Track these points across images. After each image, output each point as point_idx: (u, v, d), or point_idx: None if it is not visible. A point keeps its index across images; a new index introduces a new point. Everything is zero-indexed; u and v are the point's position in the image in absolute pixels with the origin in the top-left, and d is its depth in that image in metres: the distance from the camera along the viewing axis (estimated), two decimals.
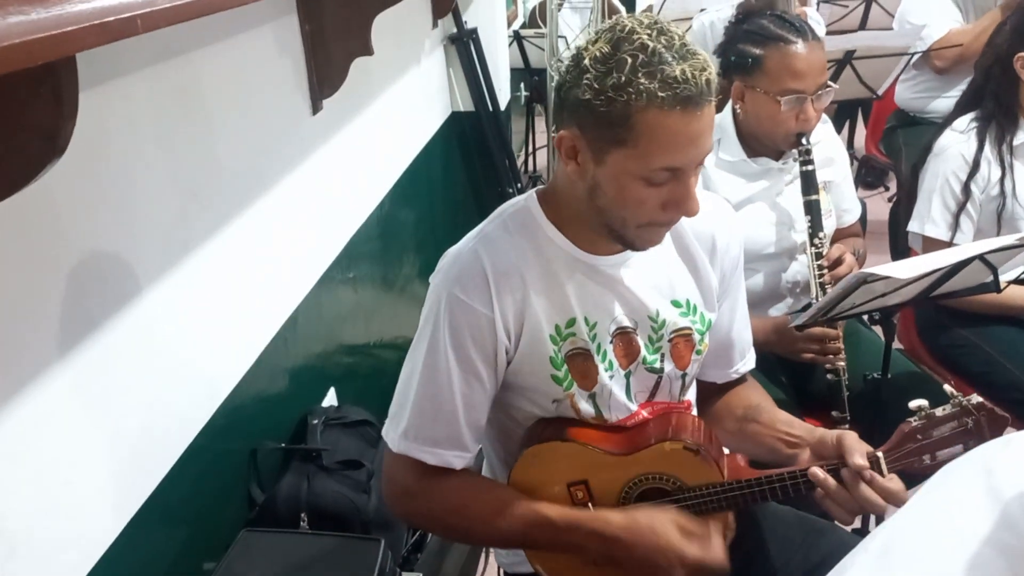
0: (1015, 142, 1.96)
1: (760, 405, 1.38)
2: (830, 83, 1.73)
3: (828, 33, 3.80)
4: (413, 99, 2.73)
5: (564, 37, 3.73)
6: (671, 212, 1.10)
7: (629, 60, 1.01)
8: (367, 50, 1.95)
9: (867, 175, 3.93)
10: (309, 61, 1.86)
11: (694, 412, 1.37)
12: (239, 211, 1.64)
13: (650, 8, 4.05)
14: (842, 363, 1.78)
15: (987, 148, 1.96)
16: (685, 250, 1.29)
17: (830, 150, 1.92)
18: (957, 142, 1.98)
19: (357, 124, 2.21)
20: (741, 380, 1.44)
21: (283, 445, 1.74)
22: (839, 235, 1.98)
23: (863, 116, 3.91)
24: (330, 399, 2.06)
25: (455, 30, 3.04)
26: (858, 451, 1.16)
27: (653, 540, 1.15)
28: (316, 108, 1.93)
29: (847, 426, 1.81)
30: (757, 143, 1.81)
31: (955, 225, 1.98)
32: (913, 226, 2.04)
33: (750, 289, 1.84)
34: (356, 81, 2.08)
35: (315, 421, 1.79)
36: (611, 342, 1.23)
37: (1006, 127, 1.96)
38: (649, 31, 1.03)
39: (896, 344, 1.80)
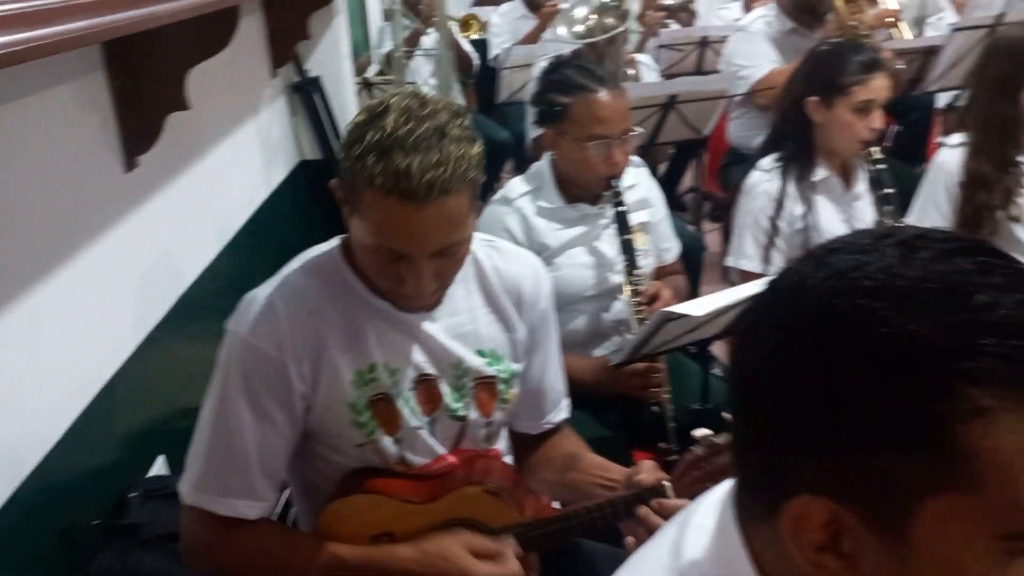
0: (814, 179, 2.10)
1: (577, 454, 1.42)
2: (634, 128, 1.82)
3: (668, 76, 4.00)
4: (251, 149, 2.70)
5: (414, 83, 3.78)
6: (406, 290, 1.13)
7: (369, 137, 1.04)
8: (182, 104, 1.92)
9: (713, 210, 4.13)
10: (119, 117, 1.82)
11: (506, 460, 1.40)
12: (43, 274, 1.57)
13: (500, 55, 4.16)
14: (666, 396, 1.85)
15: (790, 186, 2.10)
16: (493, 301, 1.32)
17: (645, 192, 2.01)
18: (763, 181, 2.11)
19: (183, 178, 2.16)
20: (557, 430, 1.47)
21: (96, 522, 1.66)
22: (661, 273, 2.07)
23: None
24: (159, 468, 1.98)
25: (297, 78, 3.03)
26: (649, 474, 1.21)
27: (445, 567, 1.17)
28: (130, 165, 1.88)
29: (675, 457, 1.88)
30: (574, 189, 1.88)
31: (767, 259, 2.10)
32: (729, 260, 2.16)
33: (574, 331, 1.90)
34: (177, 135, 2.04)
35: (135, 493, 1.72)
36: (413, 389, 1.25)
37: (805, 166, 2.10)
38: (402, 115, 1.05)
39: None
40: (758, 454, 0.62)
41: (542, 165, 1.91)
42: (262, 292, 1.22)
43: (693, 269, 2.82)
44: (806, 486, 0.58)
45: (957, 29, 3.16)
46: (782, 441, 0.59)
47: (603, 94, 1.76)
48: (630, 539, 1.20)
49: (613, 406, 1.90)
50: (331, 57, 3.20)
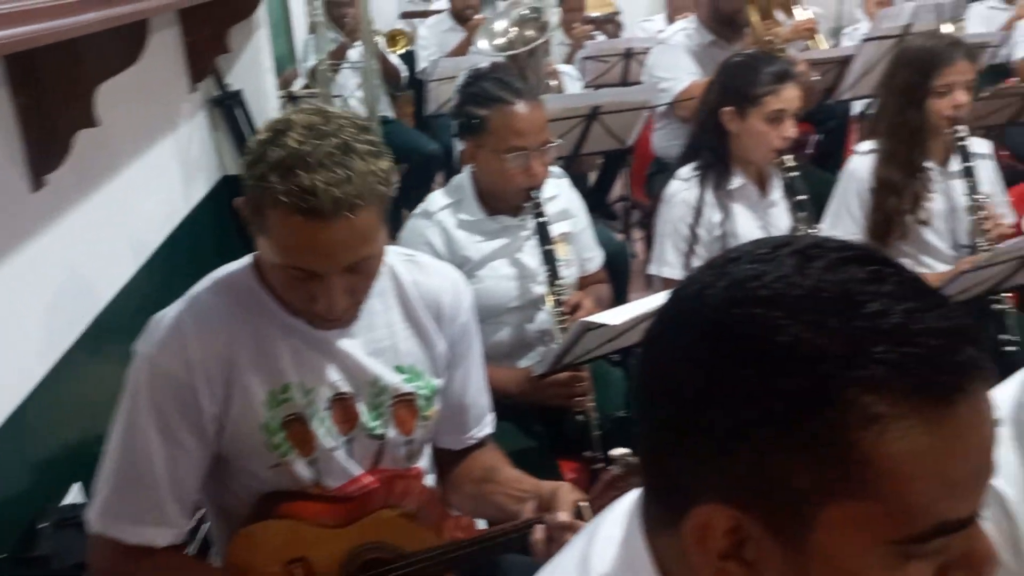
0: (730, 187, 2.15)
1: (494, 467, 1.41)
2: (553, 139, 1.83)
3: (595, 87, 4.04)
4: (169, 165, 2.64)
5: (340, 96, 3.75)
6: (319, 308, 1.12)
7: (272, 156, 1.03)
8: (91, 121, 1.87)
9: (642, 218, 4.18)
10: (23, 135, 1.76)
11: (428, 479, 1.38)
12: None
13: (428, 67, 4.16)
14: (590, 404, 1.86)
15: (708, 194, 2.14)
16: (412, 316, 1.31)
17: (566, 203, 2.02)
18: (682, 190, 2.15)
19: (94, 197, 2.10)
20: (480, 445, 1.46)
21: (3, 556, 1.59)
22: (584, 282, 2.08)
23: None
24: (75, 496, 1.91)
25: (218, 92, 2.98)
26: (565, 502, 1.20)
27: None
28: (37, 185, 1.82)
29: (602, 465, 1.89)
30: (494, 201, 1.89)
31: (688, 266, 2.14)
32: (651, 269, 2.19)
33: (498, 342, 1.90)
34: (87, 153, 1.98)
35: (45, 524, 1.66)
36: (328, 408, 1.23)
37: (722, 174, 2.14)
38: (304, 133, 1.04)
39: None
40: (662, 462, 0.63)
41: (463, 178, 1.92)
42: (170, 312, 1.19)
43: (620, 277, 2.85)
44: (709, 494, 0.58)
45: (867, 39, 3.27)
46: (684, 449, 0.60)
47: (520, 106, 1.77)
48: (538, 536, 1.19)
49: (538, 416, 1.91)
50: (253, 70, 3.15)
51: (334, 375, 1.23)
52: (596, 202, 4.52)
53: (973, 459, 0.56)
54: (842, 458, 0.54)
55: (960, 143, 2.19)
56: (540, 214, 1.84)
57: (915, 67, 2.21)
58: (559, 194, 2.00)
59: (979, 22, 4.71)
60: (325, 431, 1.22)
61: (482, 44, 2.94)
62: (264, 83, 3.20)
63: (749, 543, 0.58)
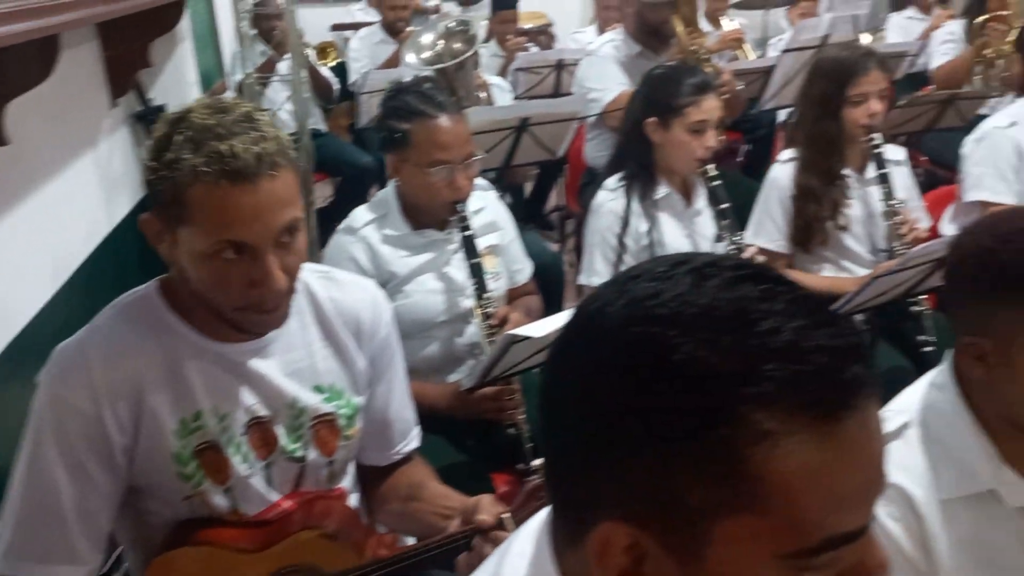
0: (656, 197, 2.18)
1: (421, 483, 1.40)
2: (477, 152, 1.83)
3: (529, 98, 4.06)
4: (89, 183, 2.57)
5: (269, 110, 3.69)
6: (259, 291, 1.09)
7: (179, 138, 1.03)
8: (1, 139, 1.81)
9: (577, 228, 4.21)
10: None
11: (352, 499, 1.36)
12: None
13: (359, 80, 4.13)
14: (521, 416, 1.85)
15: (634, 204, 2.16)
16: (330, 333, 1.29)
17: (493, 215, 2.02)
18: (609, 200, 2.17)
19: (7, 218, 2.03)
20: (406, 460, 1.45)
21: None
22: (513, 294, 2.09)
23: None
24: None
25: (140, 108, 2.91)
26: (488, 512, 1.20)
27: None
28: None
29: (534, 477, 1.89)
30: (420, 215, 1.88)
31: None
32: (581, 279, 2.20)
33: (428, 357, 1.89)
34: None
35: None
36: (245, 433, 1.20)
37: (647, 185, 2.17)
38: (206, 111, 1.05)
39: None
40: (565, 480, 0.64)
41: (387, 192, 1.90)
42: (73, 341, 1.15)
43: (555, 288, 2.87)
44: (609, 511, 0.59)
45: (786, 51, 3.35)
46: (585, 465, 0.60)
47: (443, 119, 1.77)
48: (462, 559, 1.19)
49: (469, 430, 1.90)
50: (177, 85, 3.10)
51: (250, 399, 1.20)
52: (532, 212, 4.54)
53: (862, 473, 0.58)
54: (735, 474, 0.55)
55: (875, 151, 2.25)
56: (466, 227, 1.83)
57: (830, 78, 2.28)
58: (486, 207, 2.00)
59: (898, 32, 4.87)
60: (241, 457, 1.20)
61: (410, 58, 2.93)
62: (189, 97, 3.15)
63: (648, 560, 0.59)
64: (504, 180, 3.02)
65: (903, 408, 1.17)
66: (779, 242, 2.37)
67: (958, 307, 1.13)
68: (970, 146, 2.51)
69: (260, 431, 1.22)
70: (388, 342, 1.36)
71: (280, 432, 1.23)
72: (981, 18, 3.79)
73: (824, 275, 2.36)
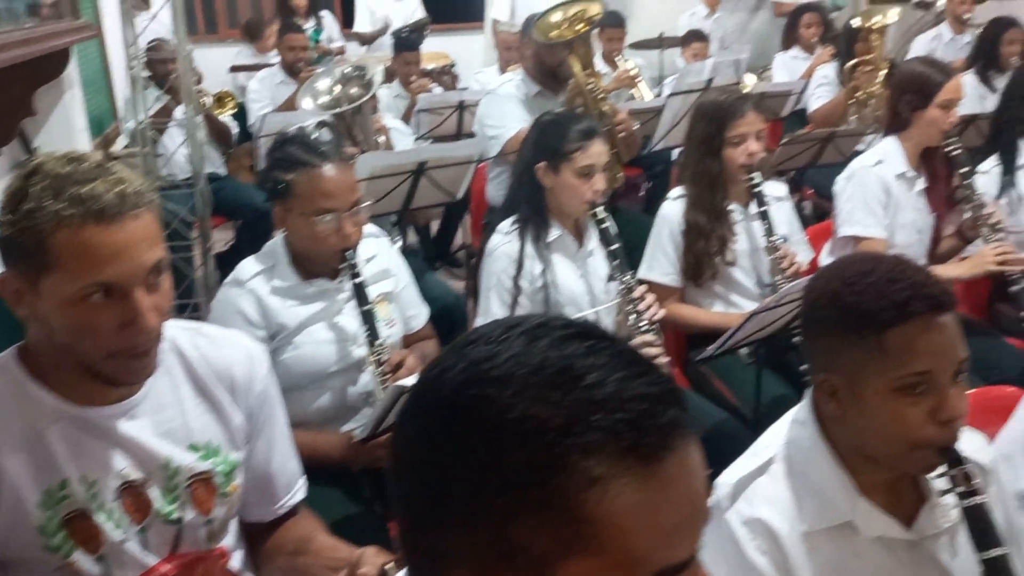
0: (549, 239, 2.22)
1: (310, 536, 1.38)
2: (364, 200, 1.85)
3: (435, 139, 4.10)
4: None
5: (162, 155, 3.63)
6: (129, 334, 1.08)
7: (35, 188, 1.03)
8: None
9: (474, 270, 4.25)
10: None
11: (236, 558, 1.34)
12: None
13: (257, 122, 4.09)
14: None
15: (528, 246, 2.20)
16: (203, 389, 1.26)
17: (385, 262, 2.03)
18: (503, 243, 2.21)
19: None
20: (292, 514, 1.43)
21: None
22: (410, 340, 2.09)
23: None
24: None
25: (25, 157, 2.82)
26: (371, 564, 1.20)
27: None
28: None
29: None
30: (309, 265, 1.87)
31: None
32: (478, 322, 2.22)
33: (321, 408, 1.87)
34: None
35: None
36: (117, 498, 1.17)
37: (540, 227, 2.21)
38: (60, 161, 1.06)
39: None
40: (416, 536, 0.66)
41: (276, 243, 1.89)
42: None
43: (459, 329, 2.87)
44: (460, 563, 0.62)
45: (672, 94, 3.48)
46: (434, 522, 0.63)
47: (326, 168, 1.77)
48: None
49: (365, 480, 1.88)
50: (64, 132, 3.01)
51: (120, 462, 1.17)
52: (440, 251, 4.57)
53: (684, 508, 0.62)
54: (572, 518, 0.59)
55: (755, 188, 2.35)
56: (356, 275, 1.83)
57: (710, 120, 2.38)
58: (378, 254, 2.00)
59: (784, 71, 5.11)
60: (114, 523, 1.16)
61: (306, 103, 2.93)
62: (76, 145, 3.06)
63: None
64: (403, 222, 3.03)
65: (769, 443, 1.22)
66: (671, 276, 2.44)
67: (812, 345, 1.19)
68: (841, 183, 2.65)
69: (133, 495, 1.18)
70: (266, 395, 1.34)
71: (154, 495, 1.20)
72: (851, 62, 4.03)
73: (714, 310, 2.44)
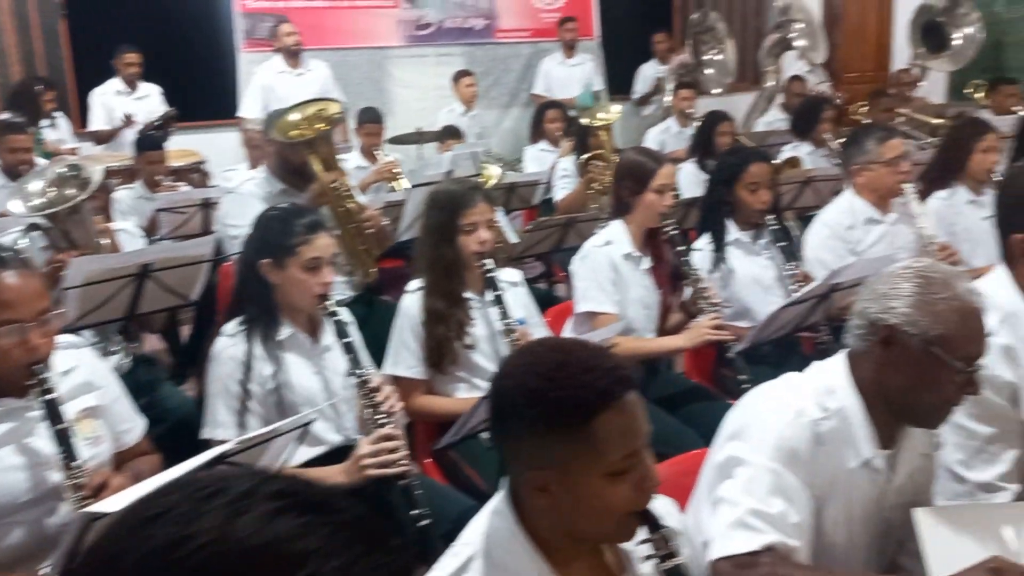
0: (280, 337, 2.13)
1: None
2: (54, 308, 1.69)
3: (180, 239, 3.89)
4: None
5: None
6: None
7: None
8: None
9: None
10: None
11: None
12: None
13: None
14: None
15: (256, 347, 2.10)
16: None
17: (88, 374, 1.85)
18: (229, 346, 2.09)
19: None
20: None
21: None
22: (124, 457, 1.90)
23: None
24: None
25: None
26: None
27: None
28: None
29: None
30: None
31: (242, 423, 2.06)
32: (205, 432, 2.08)
33: (12, 546, 1.68)
34: None
35: None
36: None
37: (270, 326, 2.13)
38: None
39: None
40: None
41: None
42: None
43: (197, 441, 2.67)
44: None
45: (415, 186, 3.55)
46: None
47: (7, 276, 1.60)
48: None
49: None
50: None
51: None
52: (192, 358, 4.29)
53: None
54: None
55: (488, 275, 2.41)
56: (48, 391, 1.65)
57: (442, 208, 2.43)
58: (78, 366, 1.82)
59: (533, 162, 5.40)
60: None
61: (14, 206, 2.68)
62: None
63: None
64: (130, 332, 2.82)
65: (468, 540, 1.20)
66: (416, 368, 2.42)
67: (515, 444, 1.18)
68: (576, 264, 2.80)
69: None
70: None
71: None
72: (584, 156, 4.35)
73: (458, 396, 2.45)
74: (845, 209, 3.15)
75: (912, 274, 1.47)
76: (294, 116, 3.24)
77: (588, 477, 1.12)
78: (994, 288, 1.80)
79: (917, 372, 1.44)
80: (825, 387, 1.51)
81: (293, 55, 6.02)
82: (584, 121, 4.43)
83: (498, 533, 1.18)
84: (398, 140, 5.93)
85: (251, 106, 5.79)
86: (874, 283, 1.50)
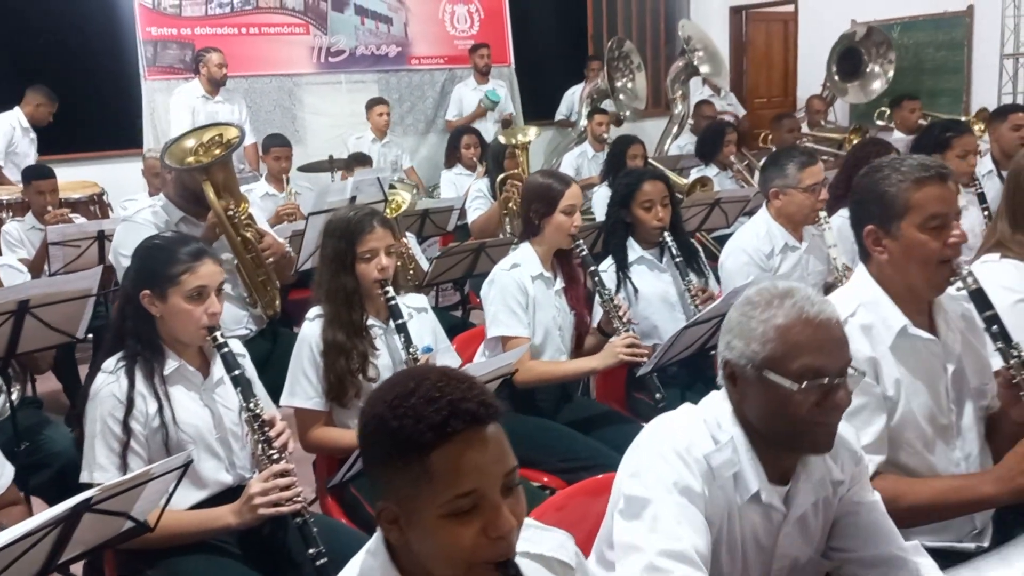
0: (166, 372, 2.01)
1: None
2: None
3: (70, 271, 3.69)
4: None
5: None
6: None
7: None
8: None
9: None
10: None
11: None
12: None
13: None
14: None
15: (139, 384, 1.97)
16: None
17: None
18: (108, 383, 1.96)
19: None
20: None
21: None
22: None
23: None
24: None
25: None
26: None
27: None
28: None
29: None
30: None
31: (124, 465, 1.92)
32: (83, 477, 1.93)
33: None
34: None
35: None
36: None
37: (154, 360, 2.00)
38: None
39: None
40: None
41: None
42: None
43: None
44: None
45: (312, 213, 3.44)
46: None
47: None
48: None
49: None
50: None
51: None
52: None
53: None
54: None
55: (391, 302, 2.33)
56: None
57: (340, 236, 2.34)
58: None
59: (449, 187, 5.36)
60: None
61: None
62: None
63: None
64: (15, 370, 2.65)
65: None
66: (315, 399, 2.32)
67: (370, 474, 1.13)
68: (486, 288, 2.74)
69: None
70: None
71: None
72: (500, 176, 4.32)
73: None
74: (763, 235, 3.11)
75: (741, 302, 1.45)
76: (189, 142, 3.11)
77: (427, 515, 1.05)
78: (854, 283, 1.84)
79: (764, 401, 1.40)
80: (715, 418, 1.48)
81: (215, 83, 5.93)
82: (502, 139, 4.42)
83: (372, 573, 1.10)
84: (309, 168, 5.82)
85: (182, 127, 5.59)
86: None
